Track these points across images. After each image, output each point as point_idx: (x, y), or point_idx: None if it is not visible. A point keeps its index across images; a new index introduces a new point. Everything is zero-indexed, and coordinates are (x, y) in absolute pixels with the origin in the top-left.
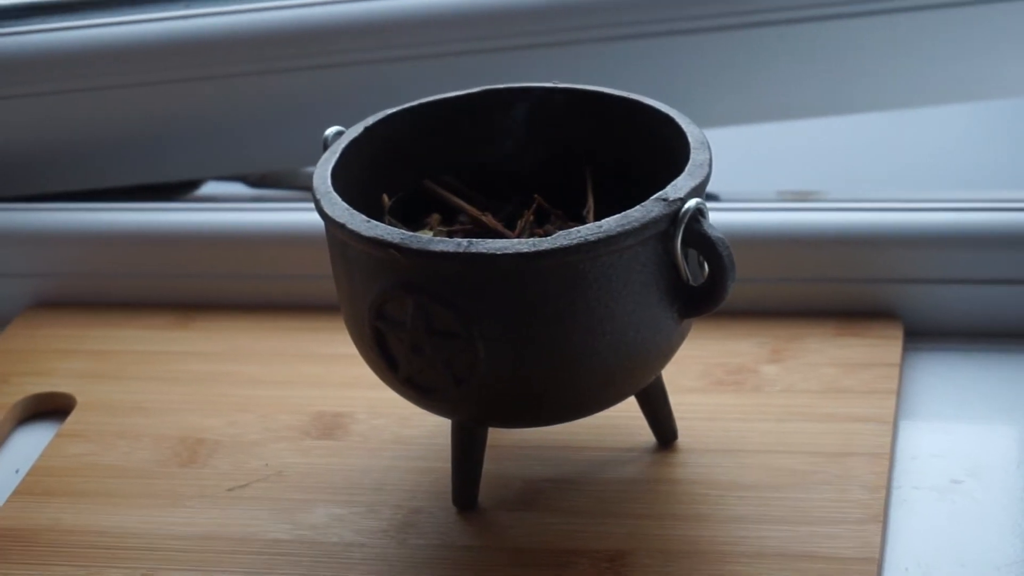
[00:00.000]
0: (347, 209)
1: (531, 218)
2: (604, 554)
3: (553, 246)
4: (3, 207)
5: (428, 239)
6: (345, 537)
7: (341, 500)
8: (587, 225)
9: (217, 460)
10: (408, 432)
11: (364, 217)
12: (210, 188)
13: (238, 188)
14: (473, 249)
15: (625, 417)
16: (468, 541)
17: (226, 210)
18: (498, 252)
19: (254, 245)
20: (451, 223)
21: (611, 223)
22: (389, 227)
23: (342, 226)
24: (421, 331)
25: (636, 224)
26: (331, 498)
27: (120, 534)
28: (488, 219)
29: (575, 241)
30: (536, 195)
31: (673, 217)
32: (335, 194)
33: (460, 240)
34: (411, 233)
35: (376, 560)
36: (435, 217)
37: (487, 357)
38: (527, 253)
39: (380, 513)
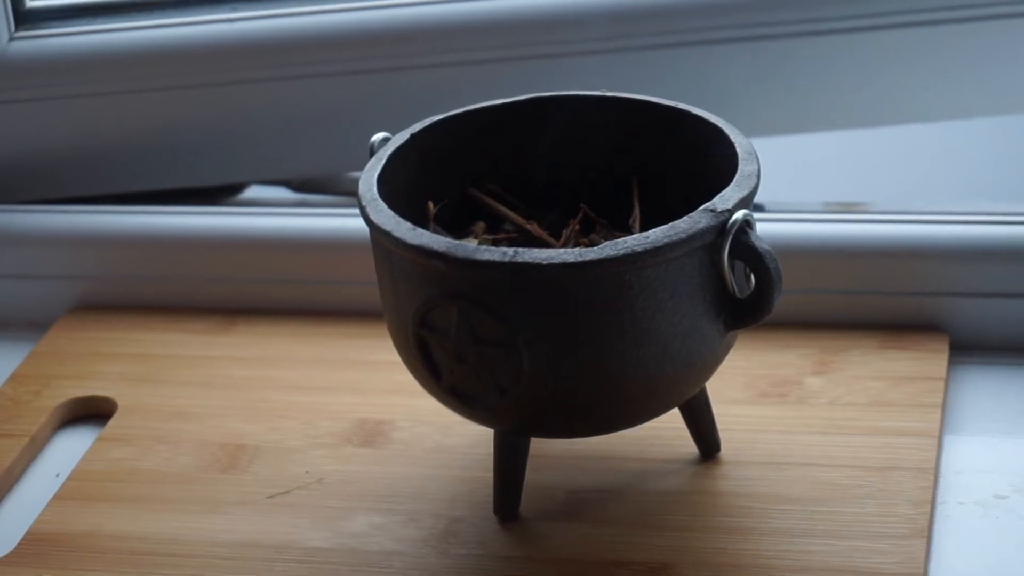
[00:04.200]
0: (393, 216)
1: (577, 227)
2: (647, 566)
3: (599, 256)
4: (47, 209)
5: (474, 248)
6: (385, 546)
7: (382, 508)
8: (633, 235)
9: (258, 466)
10: (450, 441)
11: (410, 225)
12: (253, 192)
13: (281, 193)
14: (519, 259)
15: (668, 428)
16: (509, 551)
17: (269, 215)
18: (544, 262)
19: (297, 250)
20: (496, 231)
21: (658, 234)
22: (434, 235)
23: (388, 233)
24: (465, 340)
25: (683, 235)
26: (372, 506)
27: (160, 540)
28: (533, 228)
29: (621, 252)
30: (582, 204)
31: (720, 228)
32: (381, 201)
33: (506, 249)
34: (457, 241)
35: (416, 569)
36: (480, 225)
37: (531, 367)
38: (573, 263)
39: (421, 522)
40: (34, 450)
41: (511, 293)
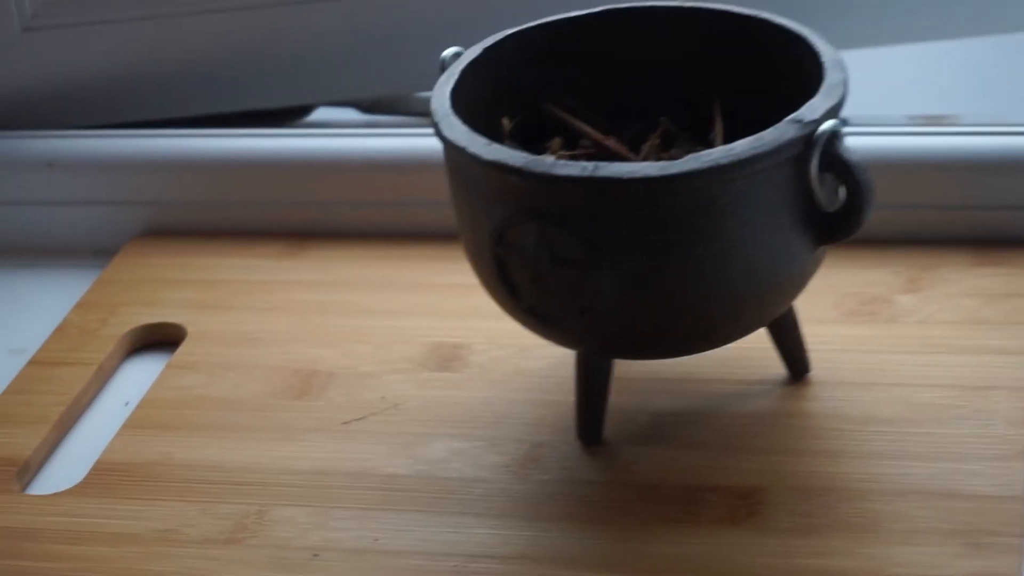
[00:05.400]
0: (467, 132)
1: (657, 142)
2: (736, 491)
3: (683, 169)
4: (113, 134)
5: (551, 163)
6: (465, 472)
7: (461, 434)
8: (718, 148)
9: (331, 392)
10: (530, 364)
11: (485, 140)
12: (321, 115)
13: (350, 114)
14: (599, 173)
15: (755, 349)
16: (593, 476)
17: (338, 136)
18: (625, 176)
19: (366, 171)
20: (573, 148)
21: (743, 146)
22: (511, 150)
23: (462, 150)
24: (544, 259)
25: (770, 147)
26: (450, 432)
27: (232, 468)
28: (612, 143)
29: (706, 164)
30: (662, 118)
31: (808, 139)
32: (454, 117)
33: (585, 164)
34: (534, 156)
35: (498, 496)
36: (556, 141)
37: (612, 285)
38: (656, 177)
39: (501, 447)
40: (102, 378)
41: (590, 210)
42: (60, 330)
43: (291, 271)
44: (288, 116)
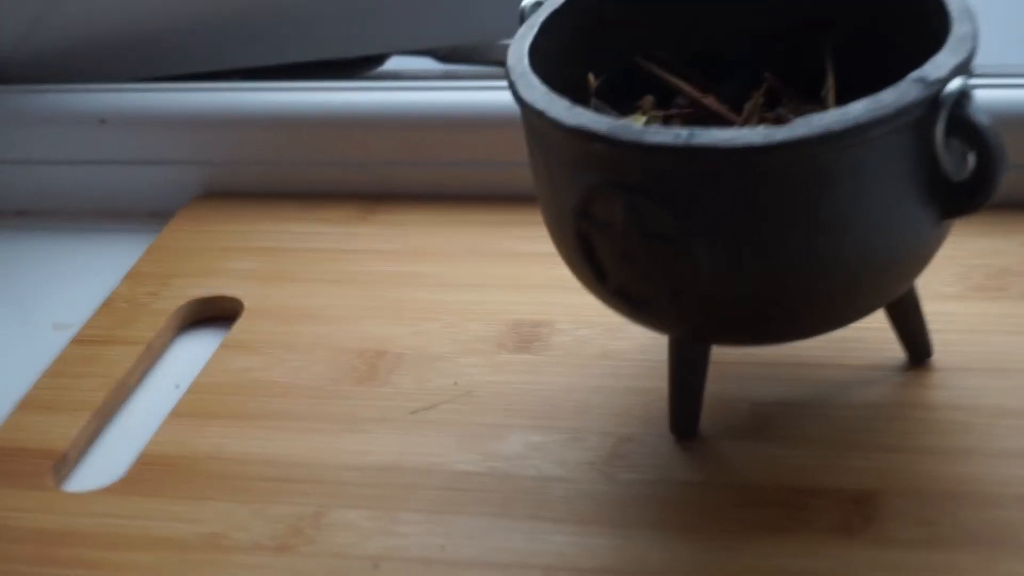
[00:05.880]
0: (547, 93)
1: (761, 100)
2: (848, 494)
3: (791, 136)
4: (169, 87)
5: (641, 129)
6: (544, 469)
7: (540, 426)
8: (830, 111)
9: (398, 377)
10: (618, 345)
11: (567, 102)
12: (395, 64)
13: (426, 64)
14: (695, 141)
15: (871, 329)
16: (688, 476)
17: (413, 89)
18: (725, 144)
19: (445, 128)
20: (667, 106)
21: (859, 108)
22: (595, 114)
23: (540, 113)
24: (633, 235)
25: (889, 110)
26: (528, 423)
27: (288, 464)
28: (711, 102)
29: (817, 130)
30: (767, 73)
31: (933, 101)
32: (533, 75)
33: (679, 130)
34: (621, 122)
35: (580, 497)
36: (648, 100)
37: (710, 265)
38: (760, 146)
39: (585, 442)
40: (151, 358)
41: (686, 181)
42: (108, 304)
43: (359, 238)
44: (359, 66)
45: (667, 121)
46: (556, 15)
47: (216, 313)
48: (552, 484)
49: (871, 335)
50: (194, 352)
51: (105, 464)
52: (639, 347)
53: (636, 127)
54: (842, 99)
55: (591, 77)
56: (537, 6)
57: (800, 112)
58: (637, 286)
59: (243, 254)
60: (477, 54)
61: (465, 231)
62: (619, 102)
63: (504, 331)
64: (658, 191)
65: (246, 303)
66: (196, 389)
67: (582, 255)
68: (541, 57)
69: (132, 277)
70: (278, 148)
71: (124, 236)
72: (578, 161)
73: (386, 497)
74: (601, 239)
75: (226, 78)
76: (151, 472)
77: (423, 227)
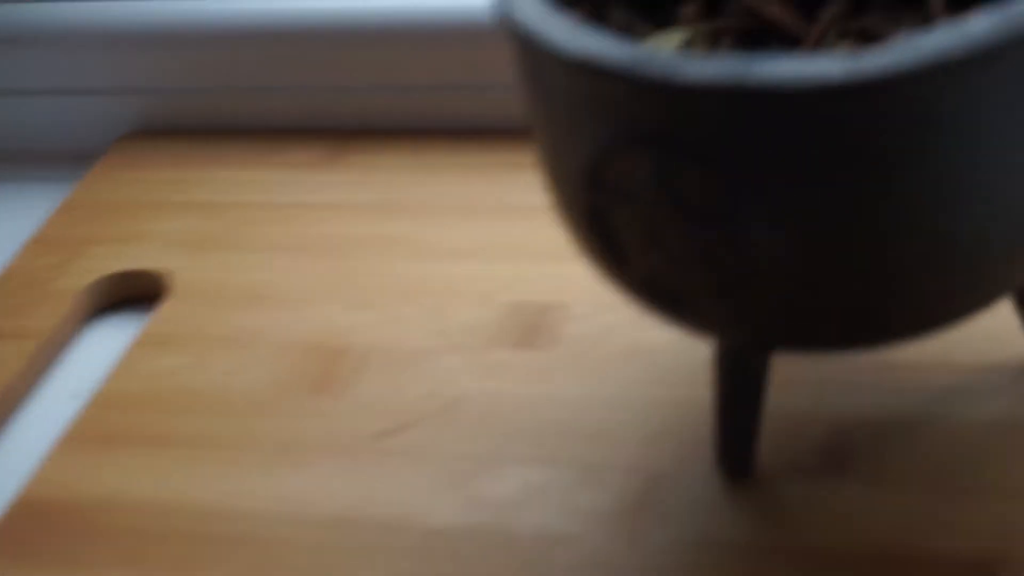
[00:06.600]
0: (542, 6)
1: (841, 9)
2: (965, 562)
3: (887, 68)
4: None
5: (675, 62)
6: (546, 525)
7: (543, 458)
8: (940, 28)
9: (362, 384)
10: (649, 338)
11: (570, 23)
12: None
13: None
14: (751, 78)
15: (990, 319)
16: (741, 535)
17: None
18: (791, 84)
19: (434, 41)
20: (716, 15)
21: (983, 24)
22: (611, 40)
23: (530, 36)
24: (665, 208)
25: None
26: (527, 454)
27: (206, 513)
28: (775, 9)
29: (923, 59)
30: None
31: None
32: None
33: (727, 61)
34: (647, 49)
35: (593, 568)
36: (691, 8)
37: (771, 246)
38: (841, 85)
39: (603, 482)
40: (45, 359)
41: (736, 133)
42: (1, 282)
43: (324, 189)
44: None
45: (716, 40)
46: None
47: (134, 292)
48: (556, 547)
49: (988, 327)
50: (102, 348)
51: None
52: (677, 341)
53: (666, 56)
54: (953, 11)
55: None
56: None
57: (896, 26)
58: (671, 277)
59: (177, 211)
60: None
61: (457, 175)
62: (655, 13)
63: (501, 317)
64: (699, 149)
65: (173, 280)
66: (99, 402)
67: (596, 236)
68: None
69: (34, 244)
70: (227, 71)
71: (34, 187)
72: (588, 108)
73: (334, 567)
74: (621, 215)
75: None
76: (24, 527)
77: (404, 172)
